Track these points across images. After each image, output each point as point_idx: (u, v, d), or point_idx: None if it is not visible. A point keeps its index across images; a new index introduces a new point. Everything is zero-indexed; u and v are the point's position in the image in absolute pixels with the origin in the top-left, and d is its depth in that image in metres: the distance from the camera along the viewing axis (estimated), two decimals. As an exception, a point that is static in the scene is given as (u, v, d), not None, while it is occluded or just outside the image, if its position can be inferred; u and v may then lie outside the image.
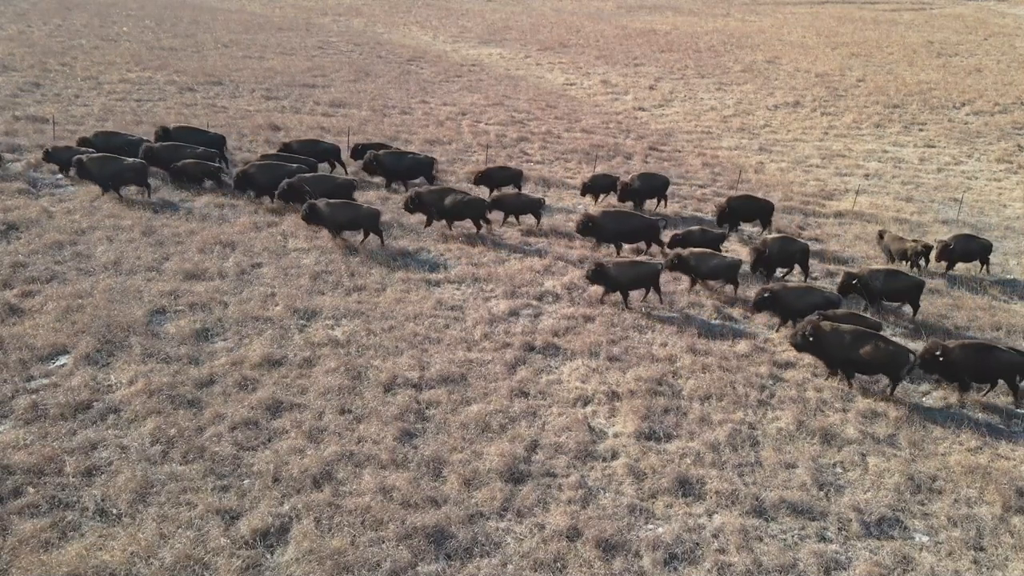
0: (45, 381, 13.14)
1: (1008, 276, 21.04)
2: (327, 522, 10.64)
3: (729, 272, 18.42)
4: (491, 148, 28.74)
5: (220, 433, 12.22)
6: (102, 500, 10.72)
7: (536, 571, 10.18)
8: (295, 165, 22.24)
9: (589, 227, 20.11)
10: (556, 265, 19.36)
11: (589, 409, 13.77)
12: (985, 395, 15.03)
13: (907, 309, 18.21)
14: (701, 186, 26.93)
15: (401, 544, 10.35)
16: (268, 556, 10.11)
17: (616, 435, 13.09)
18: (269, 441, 12.20)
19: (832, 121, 37.51)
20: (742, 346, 16.13)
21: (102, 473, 11.22)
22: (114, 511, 10.57)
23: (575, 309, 17.25)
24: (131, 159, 21.61)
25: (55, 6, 52.54)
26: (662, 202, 24.02)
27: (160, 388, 13.09)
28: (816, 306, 16.23)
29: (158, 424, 12.25)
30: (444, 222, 20.91)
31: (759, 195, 23.67)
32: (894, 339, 15.33)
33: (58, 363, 13.68)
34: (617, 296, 17.64)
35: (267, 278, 17.47)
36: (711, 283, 18.78)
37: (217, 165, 23.06)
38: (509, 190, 23.66)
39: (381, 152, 24.14)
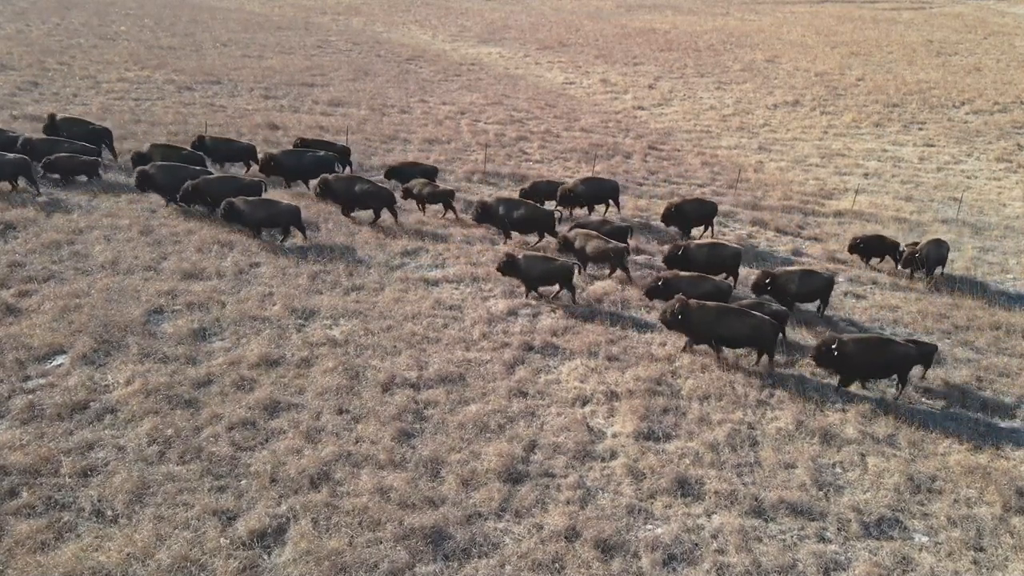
0: (42, 381, 13.09)
1: (1008, 275, 20.99)
2: (325, 523, 10.61)
3: (616, 256, 18.59)
4: (490, 147, 28.69)
5: (217, 433, 12.18)
6: (99, 501, 10.68)
7: (534, 571, 10.15)
8: (197, 167, 21.57)
9: (481, 214, 20.46)
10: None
11: (588, 409, 13.73)
12: (867, 387, 15.03)
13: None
14: (700, 185, 26.88)
15: (399, 545, 10.32)
16: (265, 557, 10.07)
17: (615, 435, 13.05)
18: (267, 441, 12.16)
19: (831, 120, 37.46)
20: (741, 346, 16.05)
21: (99, 473, 11.18)
22: (111, 512, 10.53)
23: (574, 309, 17.20)
24: (12, 155, 20.94)
25: (54, 5, 52.45)
26: (611, 208, 23.08)
27: (157, 388, 13.04)
28: (709, 294, 16.26)
29: (155, 424, 12.20)
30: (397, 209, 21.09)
31: (708, 198, 23.22)
32: (759, 314, 15.40)
33: (55, 363, 13.63)
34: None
35: (265, 278, 17.42)
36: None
37: (93, 159, 22.13)
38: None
39: (277, 152, 23.59)
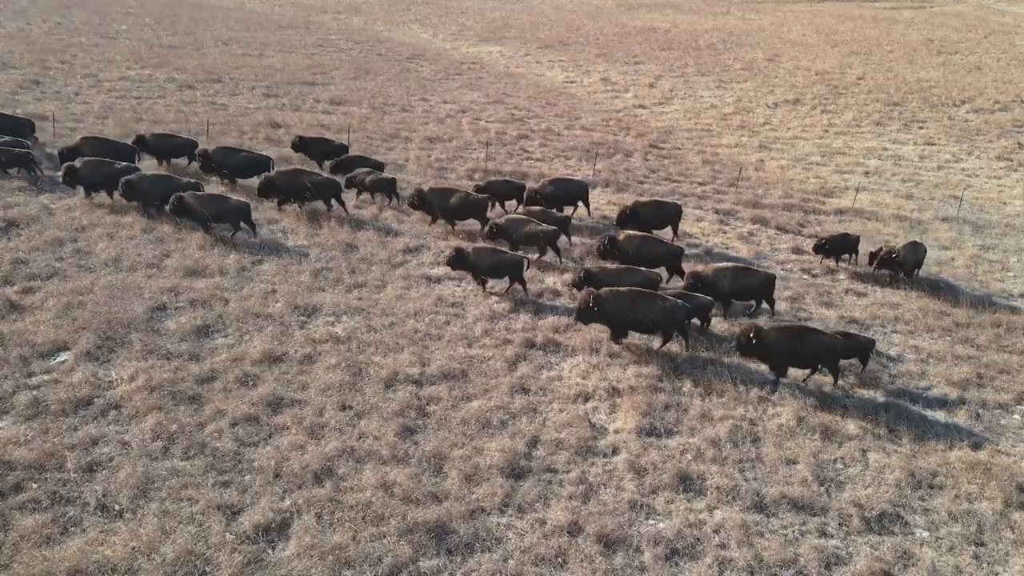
0: (46, 377, 13.13)
1: (1009, 274, 21.03)
2: (328, 517, 10.64)
3: (547, 239, 18.80)
4: (491, 146, 28.74)
5: (221, 429, 12.22)
6: (103, 496, 10.71)
7: (537, 566, 10.18)
8: (124, 164, 20.96)
9: (415, 203, 20.85)
10: (556, 262, 19.35)
11: (590, 405, 13.77)
12: (806, 380, 15.00)
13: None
14: (701, 183, 26.92)
15: (402, 539, 10.35)
16: (269, 551, 10.10)
17: (617, 431, 13.09)
18: (270, 437, 12.20)
19: (832, 119, 37.51)
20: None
21: (103, 469, 11.21)
22: (115, 507, 10.56)
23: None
24: None
25: (55, 4, 52.51)
26: (579, 209, 22.68)
27: (161, 384, 13.08)
28: (635, 284, 16.20)
29: (159, 420, 12.24)
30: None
31: (668, 200, 22.69)
32: (671, 297, 15.57)
33: (59, 359, 13.67)
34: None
35: (267, 275, 17.47)
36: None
37: (26, 151, 21.78)
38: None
39: (212, 148, 23.42)
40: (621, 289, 15.42)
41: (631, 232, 19.40)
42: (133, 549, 9.81)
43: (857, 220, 24.21)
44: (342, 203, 21.31)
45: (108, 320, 14.76)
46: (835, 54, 53.47)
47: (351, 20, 60.66)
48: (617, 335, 15.65)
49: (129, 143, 23.14)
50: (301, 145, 24.96)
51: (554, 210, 21.52)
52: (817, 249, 20.76)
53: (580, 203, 22.67)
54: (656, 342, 15.74)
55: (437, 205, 20.77)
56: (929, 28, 66.83)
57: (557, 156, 28.91)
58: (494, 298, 17.35)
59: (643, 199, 22.77)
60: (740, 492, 11.79)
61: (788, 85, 44.13)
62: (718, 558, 10.52)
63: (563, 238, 19.87)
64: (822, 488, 12.09)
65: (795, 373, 15.04)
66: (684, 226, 22.72)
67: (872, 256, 20.27)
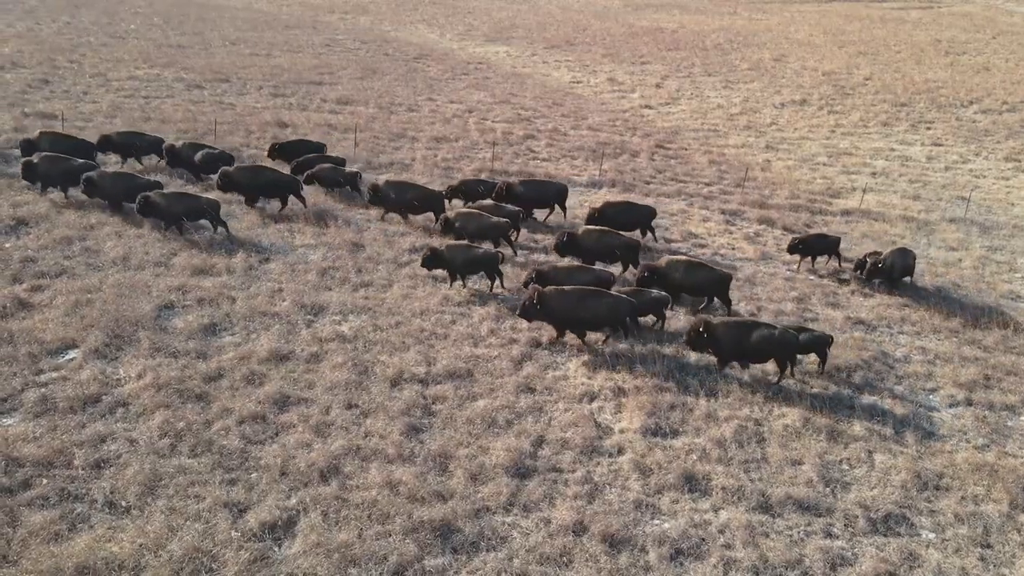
0: (54, 375, 13.20)
1: (1016, 275, 20.97)
2: (334, 515, 10.67)
3: (497, 231, 18.95)
4: (498, 145, 28.76)
5: (228, 427, 12.27)
6: (111, 492, 10.77)
7: (542, 565, 10.20)
8: (81, 160, 20.71)
9: (373, 196, 21.00)
10: (562, 263, 19.32)
11: (595, 405, 13.79)
12: (779, 380, 14.97)
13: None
14: (707, 184, 26.90)
15: (408, 538, 10.38)
16: (276, 549, 10.14)
17: (622, 431, 13.10)
18: (276, 435, 12.25)
19: (839, 119, 37.42)
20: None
21: (111, 466, 11.27)
22: (123, 503, 10.61)
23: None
24: None
25: (64, 3, 52.74)
26: (558, 212, 22.29)
27: (168, 382, 13.14)
28: (587, 283, 16.20)
29: (166, 418, 12.30)
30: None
31: (640, 202, 22.30)
32: (615, 293, 15.60)
33: (67, 357, 13.75)
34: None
35: (274, 274, 17.53)
36: None
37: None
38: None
39: (180, 143, 23.47)
40: (566, 288, 15.39)
41: (589, 227, 19.38)
42: (140, 546, 9.86)
43: (864, 221, 24.17)
44: (302, 199, 21.29)
45: (116, 318, 14.84)
46: (842, 54, 53.34)
47: (358, 20, 60.77)
48: (561, 334, 15.58)
49: (87, 140, 22.98)
50: (279, 151, 24.39)
51: (532, 211, 21.68)
52: (791, 249, 20.34)
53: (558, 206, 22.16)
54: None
55: (394, 198, 20.87)
56: (937, 28, 66.59)
57: (563, 156, 28.92)
58: (500, 298, 17.36)
59: (613, 199, 22.47)
60: (745, 492, 11.78)
61: (795, 85, 44.04)
62: (723, 558, 10.52)
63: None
64: (828, 489, 12.08)
65: (802, 373, 15.02)
66: (690, 226, 22.77)
67: (859, 263, 19.81)
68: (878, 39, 60.31)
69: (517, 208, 20.63)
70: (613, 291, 16.01)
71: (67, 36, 42.68)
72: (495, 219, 19.19)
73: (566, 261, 18.48)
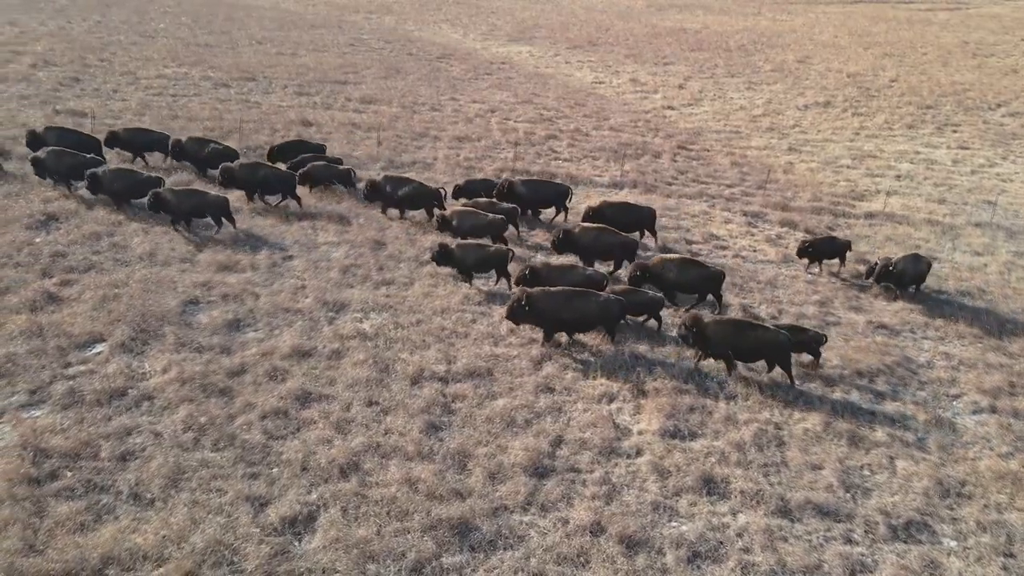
0: (82, 368, 13.43)
1: (1043, 280, 20.67)
2: (354, 511, 10.77)
3: (492, 229, 19.01)
4: (520, 145, 28.82)
5: (250, 422, 12.42)
6: (136, 485, 10.93)
7: (559, 565, 10.23)
8: (89, 155, 21.18)
9: (370, 192, 21.26)
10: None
11: (614, 406, 13.79)
12: (769, 372, 14.95)
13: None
14: (729, 185, 26.78)
15: (426, 535, 10.45)
16: (296, 543, 10.25)
17: (641, 432, 13.10)
18: (298, 431, 12.38)
19: (863, 122, 37.07)
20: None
21: (136, 458, 11.45)
22: (147, 496, 10.77)
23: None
24: None
25: (95, 2, 53.48)
26: (561, 214, 22.07)
27: (192, 377, 13.33)
28: (579, 285, 16.03)
29: (190, 412, 12.47)
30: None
31: (639, 203, 21.95)
32: (605, 294, 15.53)
33: (94, 350, 13.98)
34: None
35: (297, 271, 17.71)
36: None
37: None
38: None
39: (184, 139, 23.69)
40: (553, 289, 15.34)
41: (585, 224, 19.33)
42: (164, 538, 10.01)
43: (888, 224, 23.95)
44: (296, 198, 21.47)
45: (142, 313, 15.07)
46: (868, 56, 52.81)
47: (383, 20, 61.08)
48: (549, 335, 15.50)
49: (92, 135, 23.35)
50: (278, 153, 24.38)
51: (530, 212, 21.75)
52: (800, 252, 20.09)
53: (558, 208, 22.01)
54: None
55: (390, 194, 21.07)
56: (965, 30, 65.72)
57: (585, 156, 28.92)
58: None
59: (612, 199, 22.30)
60: (764, 496, 11.74)
61: (819, 87, 43.68)
62: (741, 562, 10.50)
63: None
64: (848, 494, 12.01)
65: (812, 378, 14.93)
66: (711, 228, 22.68)
67: (869, 269, 19.44)
68: (904, 41, 59.65)
69: (512, 206, 20.63)
70: (607, 291, 16.00)
71: (98, 35, 43.29)
72: (490, 217, 19.29)
73: (559, 259, 18.49)
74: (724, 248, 21.38)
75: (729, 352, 14.72)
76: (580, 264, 17.90)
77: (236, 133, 26.69)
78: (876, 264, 19.25)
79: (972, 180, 29.20)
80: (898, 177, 29.13)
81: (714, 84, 44.11)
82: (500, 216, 19.43)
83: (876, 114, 38.26)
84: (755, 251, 21.36)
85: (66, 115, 27.24)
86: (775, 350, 14.57)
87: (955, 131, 35.99)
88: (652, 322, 16.55)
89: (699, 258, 19.05)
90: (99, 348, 14.05)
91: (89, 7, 51.93)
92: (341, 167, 23.36)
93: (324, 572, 9.79)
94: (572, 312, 15.10)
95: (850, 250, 20.27)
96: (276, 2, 65.04)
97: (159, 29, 47.21)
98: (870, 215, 24.67)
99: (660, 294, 16.60)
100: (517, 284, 16.64)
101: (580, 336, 15.87)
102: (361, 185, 22.40)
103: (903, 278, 18.80)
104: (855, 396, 14.65)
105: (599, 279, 16.61)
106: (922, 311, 18.28)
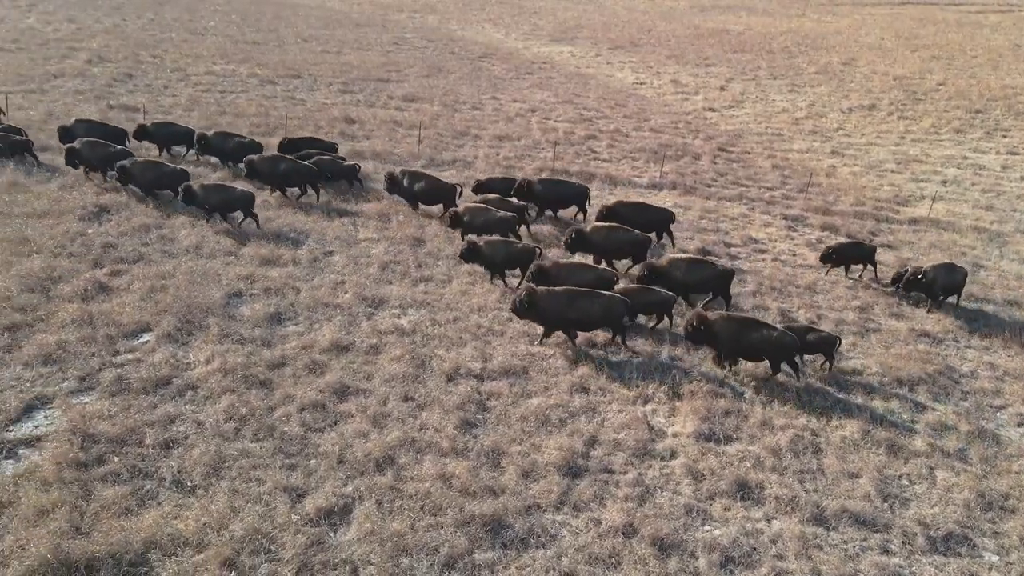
0: (129, 356, 13.80)
1: (1095, 291, 20.09)
2: (388, 505, 10.90)
3: (502, 226, 19.13)
4: (559, 145, 28.83)
5: (289, 414, 12.65)
6: (178, 472, 11.19)
7: (591, 565, 10.26)
8: (118, 147, 21.86)
9: (389, 185, 21.74)
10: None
11: (649, 407, 13.77)
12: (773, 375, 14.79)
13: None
14: (770, 188, 26.49)
15: (459, 531, 10.55)
16: (331, 535, 10.41)
17: (675, 435, 13.07)
18: (335, 424, 12.58)
19: (909, 125, 36.36)
20: (808, 352, 15.84)
21: (179, 446, 11.74)
22: (189, 483, 11.03)
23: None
24: None
25: (149, 1, 54.67)
26: (581, 213, 21.93)
27: (235, 368, 13.61)
28: (589, 284, 15.88)
29: (232, 402, 12.74)
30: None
31: (658, 204, 21.69)
32: (609, 293, 15.37)
33: (142, 340, 14.36)
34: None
35: (338, 266, 17.97)
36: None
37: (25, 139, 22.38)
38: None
39: (210, 133, 24.09)
40: (556, 288, 15.31)
41: (598, 223, 19.29)
42: (204, 524, 10.22)
43: (932, 230, 23.49)
44: (316, 190, 21.96)
45: (188, 304, 15.42)
46: (915, 59, 51.74)
47: (426, 19, 61.50)
48: (548, 333, 15.43)
49: (119, 126, 24.00)
50: (288, 147, 24.55)
51: (547, 211, 21.84)
52: (824, 258, 19.76)
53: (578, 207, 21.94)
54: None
55: (407, 188, 21.38)
56: (1017, 33, 63.98)
57: (624, 157, 28.83)
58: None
59: (628, 199, 22.12)
60: (799, 503, 11.64)
61: (864, 90, 42.93)
62: (774, 569, 10.43)
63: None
64: (886, 504, 11.85)
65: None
66: (750, 231, 22.47)
67: (897, 276, 18.87)
68: (953, 43, 58.29)
69: (522, 203, 20.70)
70: (616, 290, 16.00)
71: (151, 32, 44.28)
72: (501, 213, 19.45)
73: (569, 258, 18.52)
74: (763, 252, 21.17)
75: (734, 351, 14.69)
76: (591, 263, 17.92)
77: (281, 129, 27.12)
78: (905, 271, 18.71)
79: (1021, 186, 28.47)
80: (944, 182, 28.52)
81: (756, 86, 43.61)
82: (512, 214, 19.62)
83: (922, 118, 37.48)
84: (795, 255, 21.12)
85: (119, 110, 27.97)
86: (780, 350, 14.46)
87: (1005, 136, 35.11)
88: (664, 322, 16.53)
89: (721, 260, 19.01)
90: (146, 337, 14.42)
91: (144, 5, 53.12)
92: (348, 163, 23.59)
93: (358, 564, 9.95)
94: (575, 312, 15.08)
95: (872, 262, 19.82)
96: (322, 1, 65.85)
97: (209, 27, 48.12)
98: (914, 221, 24.23)
99: (671, 293, 16.52)
100: (528, 280, 16.68)
101: (617, 336, 15.85)
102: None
103: (934, 288, 18.12)
104: (895, 404, 14.43)
105: (609, 278, 16.59)
106: (966, 319, 17.91)
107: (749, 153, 30.73)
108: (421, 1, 70.31)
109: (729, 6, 77.44)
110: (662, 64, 48.50)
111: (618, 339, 15.58)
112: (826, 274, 19.85)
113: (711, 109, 38.20)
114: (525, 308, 15.09)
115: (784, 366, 14.76)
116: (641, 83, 43.48)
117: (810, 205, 24.77)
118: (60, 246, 17.40)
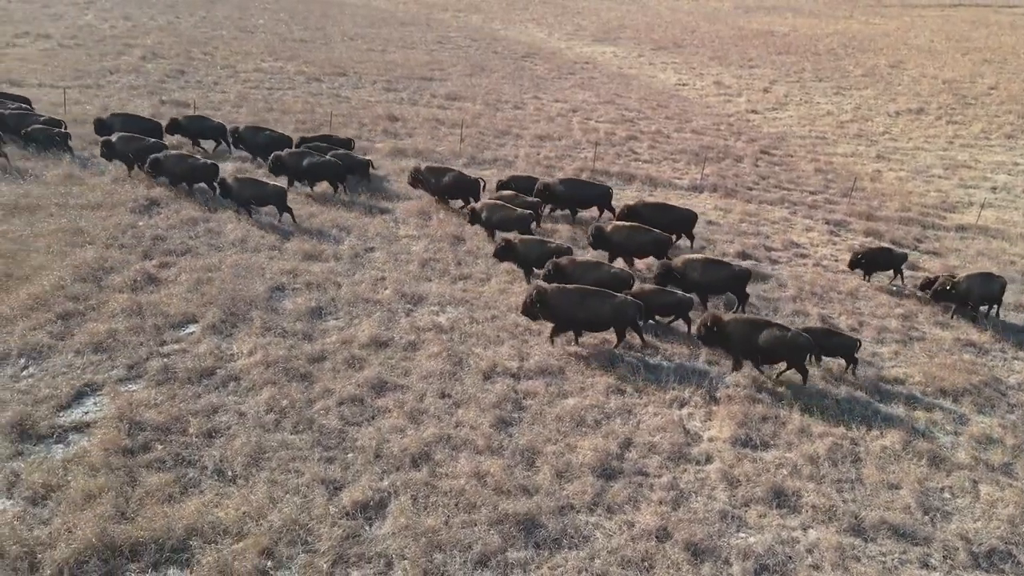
0: (176, 346, 14.13)
1: None
2: (423, 501, 11.02)
3: (519, 223, 19.28)
4: (600, 146, 28.78)
5: (328, 407, 12.85)
6: (220, 461, 11.43)
7: (623, 568, 10.26)
8: (152, 140, 22.23)
9: (413, 179, 21.98)
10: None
11: (685, 411, 13.71)
12: (778, 376, 14.63)
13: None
14: (812, 192, 26.12)
15: (492, 529, 10.61)
16: (367, 528, 10.56)
17: (711, 439, 13.00)
18: (373, 418, 12.74)
19: (958, 130, 35.53)
20: (849, 360, 15.63)
21: (221, 436, 11.99)
22: (230, 472, 11.26)
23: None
24: None
25: (199, -1, 55.88)
26: (604, 213, 21.84)
27: (276, 360, 13.86)
28: (603, 282, 15.77)
29: (273, 394, 12.98)
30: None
31: (679, 204, 21.63)
32: (621, 295, 15.19)
33: (187, 331, 14.70)
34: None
35: (378, 263, 18.19)
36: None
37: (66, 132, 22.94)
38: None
39: (242, 127, 24.49)
40: (568, 287, 15.23)
41: (618, 223, 19.22)
42: (244, 513, 10.43)
43: (980, 238, 22.95)
44: (344, 186, 22.44)
45: (232, 297, 15.73)
46: (965, 62, 50.51)
47: (470, 18, 61.77)
48: (557, 332, 15.35)
49: (153, 119, 24.61)
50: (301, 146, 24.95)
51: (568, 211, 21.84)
52: (852, 264, 19.40)
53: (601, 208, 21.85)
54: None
55: (432, 183, 21.73)
56: (1079, 36, 62.07)
57: (665, 158, 28.66)
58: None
59: (650, 199, 22.09)
60: (837, 513, 11.50)
61: (912, 93, 42.05)
62: (809, 577, 10.32)
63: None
64: (926, 517, 11.64)
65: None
66: (792, 235, 22.21)
67: (927, 283, 18.39)
68: (1006, 46, 56.75)
69: (535, 200, 20.77)
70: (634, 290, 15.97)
71: (202, 30, 45.20)
72: (518, 211, 19.63)
73: (586, 256, 18.44)
74: (804, 256, 20.91)
75: (747, 352, 14.59)
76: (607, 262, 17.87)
77: (326, 126, 27.50)
78: (936, 279, 18.19)
79: (1078, 195, 27.67)
80: (994, 189, 27.84)
81: (800, 88, 42.99)
82: (528, 211, 19.81)
83: (972, 122, 36.61)
84: (837, 260, 20.81)
85: (171, 105, 28.58)
86: (793, 351, 14.30)
87: (1061, 143, 34.14)
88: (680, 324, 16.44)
89: (762, 263, 18.88)
90: (192, 328, 14.75)
91: (196, 3, 54.24)
92: (361, 157, 23.90)
93: (393, 557, 10.08)
94: (585, 311, 15.03)
95: (900, 270, 19.39)
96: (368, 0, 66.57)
97: (258, 25, 48.96)
98: (962, 228, 23.71)
99: (689, 295, 16.42)
100: (544, 279, 16.65)
101: (654, 338, 15.81)
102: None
103: (968, 297, 17.53)
104: (938, 415, 14.15)
105: (625, 278, 16.52)
106: (1015, 330, 17.47)
107: (792, 156, 30.34)
108: (465, 0, 70.61)
109: (774, 7, 76.40)
110: (705, 65, 48.06)
111: (622, 344, 15.46)
112: (867, 279, 19.53)
113: (754, 111, 37.78)
114: (536, 307, 15.11)
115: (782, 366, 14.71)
116: (683, 84, 43.16)
117: (853, 210, 24.37)
118: (112, 237, 17.87)
